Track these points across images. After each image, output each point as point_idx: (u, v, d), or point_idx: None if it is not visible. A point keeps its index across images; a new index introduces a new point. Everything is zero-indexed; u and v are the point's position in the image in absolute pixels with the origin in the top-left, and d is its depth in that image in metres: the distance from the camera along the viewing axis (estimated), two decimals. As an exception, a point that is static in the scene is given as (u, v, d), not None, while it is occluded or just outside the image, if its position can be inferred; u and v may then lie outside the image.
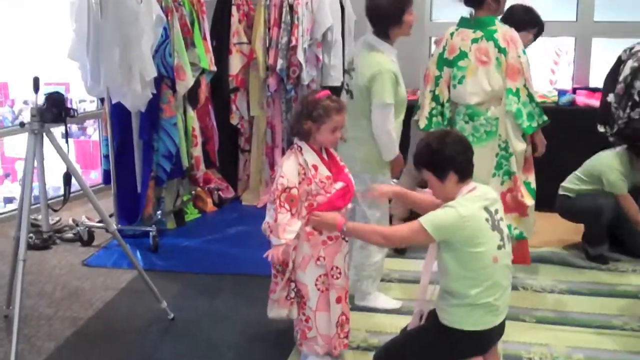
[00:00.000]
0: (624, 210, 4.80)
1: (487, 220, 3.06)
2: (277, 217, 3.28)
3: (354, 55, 4.12)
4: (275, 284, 3.55)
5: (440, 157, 3.13)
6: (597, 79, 6.17)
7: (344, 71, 4.19)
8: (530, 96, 4.19)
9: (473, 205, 3.06)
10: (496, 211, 3.12)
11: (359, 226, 3.46)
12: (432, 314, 3.27)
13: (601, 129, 4.02)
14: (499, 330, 3.24)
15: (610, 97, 3.93)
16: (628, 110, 3.89)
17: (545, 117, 4.26)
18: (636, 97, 3.85)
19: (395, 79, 3.90)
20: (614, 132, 4.01)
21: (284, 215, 3.27)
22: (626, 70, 3.95)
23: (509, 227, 3.27)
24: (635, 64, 3.89)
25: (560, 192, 5.06)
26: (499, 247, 3.08)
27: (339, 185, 3.43)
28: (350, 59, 4.16)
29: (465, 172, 3.13)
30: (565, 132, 5.34)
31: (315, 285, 3.45)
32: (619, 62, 4.11)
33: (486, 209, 3.07)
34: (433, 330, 3.25)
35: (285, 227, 3.26)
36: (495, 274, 3.08)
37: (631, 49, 4.03)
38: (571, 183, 5.01)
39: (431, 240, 3.07)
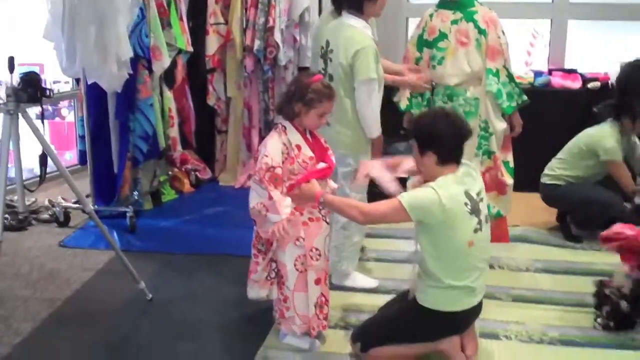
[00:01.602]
0: (617, 179, 4.76)
1: (466, 204, 3.07)
2: (270, 195, 3.26)
3: (327, 39, 3.95)
4: (256, 264, 3.56)
5: (427, 131, 3.13)
6: (572, 61, 6.21)
7: (320, 56, 4.07)
8: (510, 76, 4.22)
9: (455, 190, 3.06)
10: (478, 193, 3.13)
11: (338, 199, 3.43)
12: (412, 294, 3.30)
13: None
14: (476, 311, 3.27)
15: None
16: None
17: (524, 97, 4.30)
18: None
19: (376, 55, 3.86)
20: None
21: (277, 192, 3.26)
22: None
23: (487, 206, 3.29)
24: None
25: (546, 181, 4.98)
26: (475, 231, 3.09)
27: (321, 165, 3.45)
28: (323, 43, 3.98)
29: (446, 157, 3.10)
30: (541, 113, 5.39)
31: (295, 265, 3.45)
32: None
33: (466, 193, 3.08)
34: (410, 310, 3.28)
35: (281, 203, 3.26)
36: (470, 257, 3.11)
37: None
38: (554, 169, 4.95)
39: (408, 219, 3.08)
